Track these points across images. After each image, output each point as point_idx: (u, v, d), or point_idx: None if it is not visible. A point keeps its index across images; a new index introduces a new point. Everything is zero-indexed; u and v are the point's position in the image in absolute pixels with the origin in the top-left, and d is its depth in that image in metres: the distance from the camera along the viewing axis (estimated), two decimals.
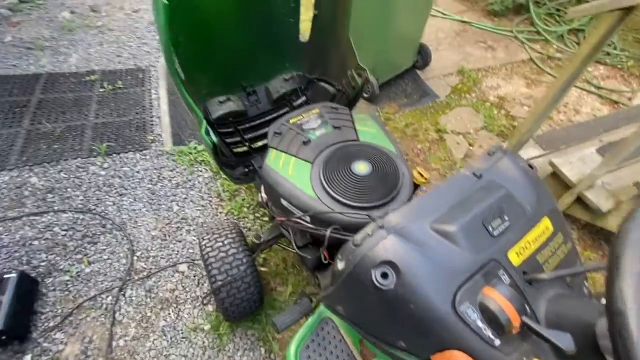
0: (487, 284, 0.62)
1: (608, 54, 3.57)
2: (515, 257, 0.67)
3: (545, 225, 0.72)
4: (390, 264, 0.63)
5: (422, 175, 1.15)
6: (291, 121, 1.33)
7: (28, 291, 1.54)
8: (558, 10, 3.97)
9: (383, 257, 0.63)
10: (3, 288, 1.45)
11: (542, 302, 0.65)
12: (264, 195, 1.33)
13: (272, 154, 1.23)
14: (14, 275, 1.48)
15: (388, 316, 0.66)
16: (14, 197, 1.92)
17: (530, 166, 0.85)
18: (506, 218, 0.69)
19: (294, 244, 1.24)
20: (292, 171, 1.15)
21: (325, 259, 1.22)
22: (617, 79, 3.38)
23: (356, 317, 0.76)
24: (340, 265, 0.70)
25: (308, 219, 1.07)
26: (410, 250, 0.63)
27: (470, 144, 2.57)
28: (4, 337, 1.40)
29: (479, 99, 2.98)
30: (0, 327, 1.36)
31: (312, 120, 1.32)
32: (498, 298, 0.59)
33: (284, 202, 1.14)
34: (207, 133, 1.17)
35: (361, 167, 1.10)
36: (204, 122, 1.17)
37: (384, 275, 0.62)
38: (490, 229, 0.67)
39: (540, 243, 0.70)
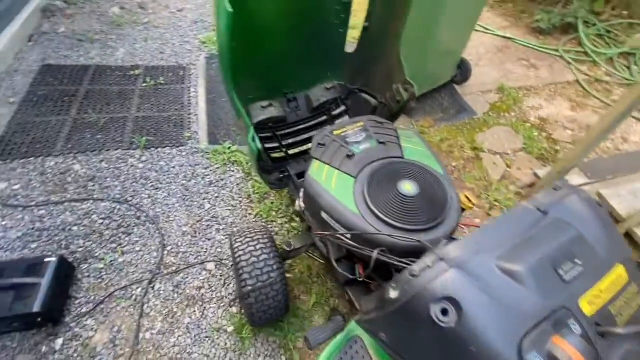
0: (557, 333, 0.58)
1: None
2: (587, 306, 0.62)
3: (618, 273, 0.67)
4: (452, 300, 0.60)
5: (469, 200, 1.11)
6: (335, 133, 1.31)
7: (65, 276, 1.60)
8: (609, 32, 3.79)
9: (444, 292, 0.60)
10: (43, 271, 1.50)
11: (615, 359, 0.60)
12: (302, 204, 1.32)
13: (315, 165, 1.22)
14: (54, 259, 1.54)
15: (442, 355, 0.63)
16: (58, 182, 2.00)
17: (599, 205, 0.79)
18: (578, 262, 0.65)
19: (332, 259, 1.22)
20: (335, 185, 1.13)
21: (360, 277, 1.19)
22: None
23: (402, 348, 0.73)
24: (393, 293, 0.67)
25: (349, 235, 1.05)
26: (474, 287, 0.60)
27: (508, 166, 2.48)
28: (39, 320, 1.45)
29: (518, 119, 2.87)
30: (38, 310, 1.41)
31: (356, 133, 1.30)
32: (570, 350, 0.55)
33: (324, 215, 1.12)
34: (254, 140, 1.18)
35: (408, 187, 1.06)
36: (252, 128, 1.17)
37: (444, 312, 0.59)
38: (562, 272, 0.63)
39: (614, 293, 0.65)
